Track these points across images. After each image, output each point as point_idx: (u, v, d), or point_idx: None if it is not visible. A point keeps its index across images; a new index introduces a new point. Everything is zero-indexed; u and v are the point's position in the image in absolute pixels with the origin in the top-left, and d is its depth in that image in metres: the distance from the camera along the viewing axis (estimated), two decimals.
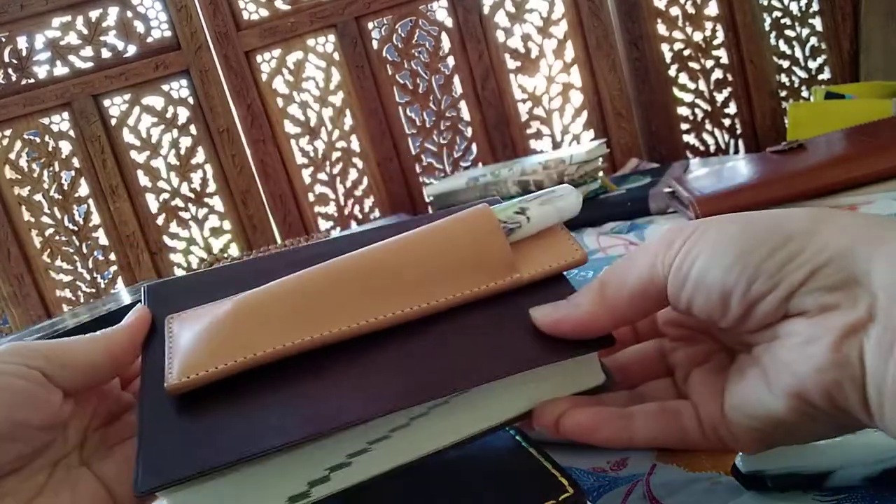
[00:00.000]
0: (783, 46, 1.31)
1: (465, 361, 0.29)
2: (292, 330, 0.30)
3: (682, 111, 1.33)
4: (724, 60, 1.31)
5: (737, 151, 1.34)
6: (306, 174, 1.29)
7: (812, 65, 1.31)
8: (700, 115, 1.33)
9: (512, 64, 1.30)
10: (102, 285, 1.26)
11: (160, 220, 1.26)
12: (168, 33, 1.22)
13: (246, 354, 0.29)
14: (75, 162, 1.23)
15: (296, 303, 0.31)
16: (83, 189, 1.24)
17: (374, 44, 1.27)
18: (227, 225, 1.29)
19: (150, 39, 1.22)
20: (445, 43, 1.28)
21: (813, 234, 0.25)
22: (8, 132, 1.21)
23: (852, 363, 0.23)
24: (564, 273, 0.34)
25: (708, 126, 1.34)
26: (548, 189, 0.37)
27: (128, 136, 1.24)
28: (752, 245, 0.25)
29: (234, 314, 0.30)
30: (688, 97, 1.33)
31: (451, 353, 0.30)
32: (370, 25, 1.26)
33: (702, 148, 1.35)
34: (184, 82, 1.24)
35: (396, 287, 0.31)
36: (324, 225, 1.31)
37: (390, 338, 0.30)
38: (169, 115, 1.24)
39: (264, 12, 1.24)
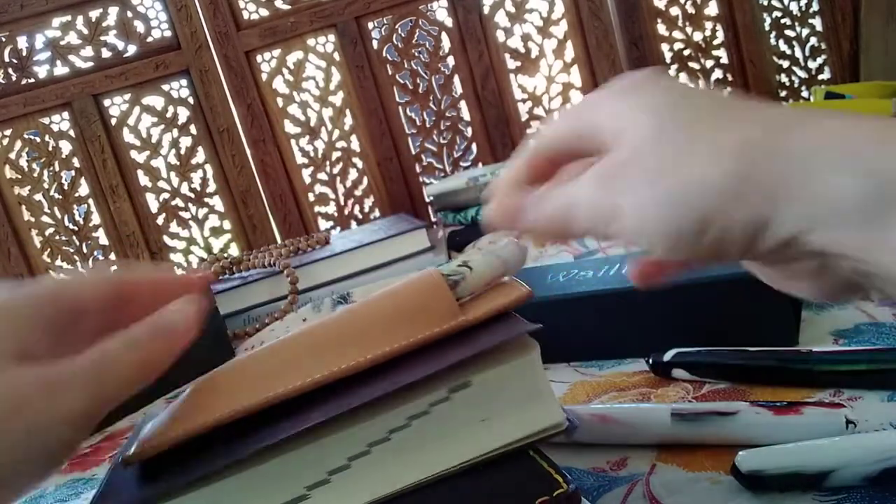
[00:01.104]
0: (783, 46, 1.31)
1: (388, 384, 0.30)
2: (240, 396, 0.31)
3: None
4: (724, 60, 1.31)
5: None
6: (306, 174, 1.29)
7: (812, 65, 1.31)
8: None
9: (512, 64, 1.30)
10: None
11: (160, 220, 1.26)
12: (168, 33, 1.22)
13: (195, 422, 0.30)
14: (75, 162, 1.23)
15: (245, 373, 0.33)
16: (83, 189, 1.24)
17: (375, 44, 1.27)
18: (227, 225, 1.29)
19: (150, 39, 1.22)
20: (445, 43, 1.28)
21: (728, 211, 0.24)
22: (8, 132, 1.21)
23: None
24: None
25: None
26: (492, 244, 0.39)
27: (128, 136, 1.24)
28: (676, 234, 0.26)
29: (189, 394, 0.33)
30: None
31: (383, 382, 0.30)
32: (370, 25, 1.26)
33: None
34: (184, 82, 1.24)
35: (342, 345, 0.32)
36: (324, 225, 1.31)
37: (336, 390, 0.31)
38: (169, 114, 1.24)
39: (264, 12, 1.24)
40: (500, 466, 0.31)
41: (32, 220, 1.23)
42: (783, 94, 1.32)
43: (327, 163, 1.29)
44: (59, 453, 0.28)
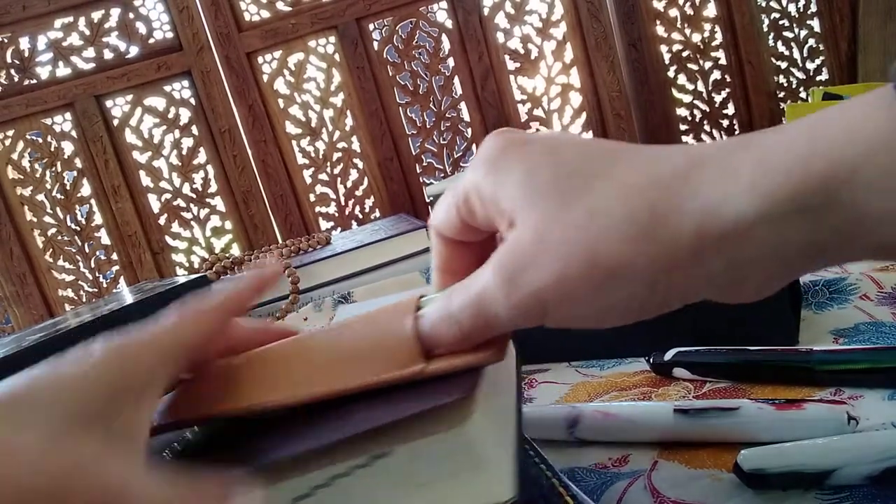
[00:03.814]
0: (781, 47, 1.31)
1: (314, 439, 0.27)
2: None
3: (681, 112, 1.34)
4: (723, 61, 1.32)
5: None
6: (307, 174, 1.30)
7: (810, 66, 1.32)
8: (698, 115, 1.34)
9: (511, 65, 1.30)
10: (105, 285, 1.27)
11: (162, 220, 1.27)
12: (170, 34, 1.23)
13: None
14: (77, 162, 1.23)
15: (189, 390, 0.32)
16: (85, 189, 1.24)
17: (375, 45, 1.27)
18: (228, 225, 1.29)
19: (151, 40, 1.23)
20: (445, 44, 1.29)
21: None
22: (10, 132, 1.21)
23: None
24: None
25: (706, 127, 1.34)
26: None
27: (130, 137, 1.24)
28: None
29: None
30: (686, 98, 1.34)
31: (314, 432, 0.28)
32: (371, 27, 1.27)
33: None
34: (185, 83, 1.24)
35: (293, 376, 0.30)
36: (325, 225, 1.32)
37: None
38: (171, 115, 1.25)
39: (265, 13, 1.25)
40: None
41: (35, 220, 1.23)
42: (781, 94, 1.32)
43: (328, 163, 1.30)
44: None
